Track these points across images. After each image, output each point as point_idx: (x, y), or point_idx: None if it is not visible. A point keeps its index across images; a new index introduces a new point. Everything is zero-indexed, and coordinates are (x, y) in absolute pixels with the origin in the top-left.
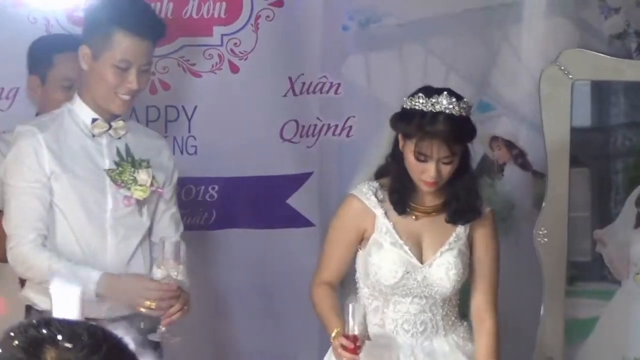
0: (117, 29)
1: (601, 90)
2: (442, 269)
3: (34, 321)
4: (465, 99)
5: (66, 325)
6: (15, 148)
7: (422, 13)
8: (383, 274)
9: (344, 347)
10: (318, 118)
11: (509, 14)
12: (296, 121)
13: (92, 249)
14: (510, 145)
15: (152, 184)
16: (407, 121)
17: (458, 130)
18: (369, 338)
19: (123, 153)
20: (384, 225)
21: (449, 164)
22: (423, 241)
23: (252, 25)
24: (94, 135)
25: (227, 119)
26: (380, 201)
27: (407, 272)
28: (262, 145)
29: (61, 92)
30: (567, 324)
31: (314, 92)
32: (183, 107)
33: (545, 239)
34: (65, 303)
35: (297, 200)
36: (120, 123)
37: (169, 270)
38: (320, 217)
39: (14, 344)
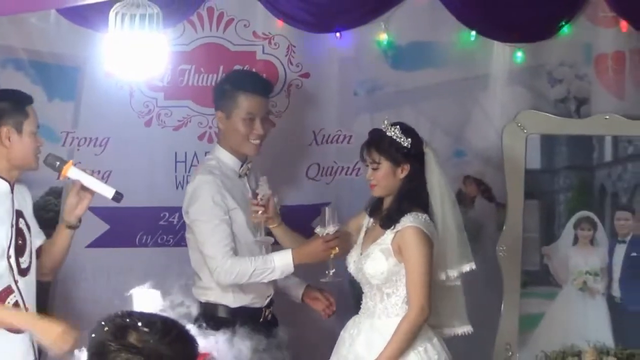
0: (241, 92)
1: (548, 142)
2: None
3: (119, 312)
4: (398, 126)
5: (144, 316)
6: (206, 193)
7: (414, 83)
8: None
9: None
10: (335, 162)
11: (480, 83)
12: (318, 164)
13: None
14: (479, 182)
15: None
16: None
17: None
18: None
19: (253, 187)
20: None
21: (375, 169)
22: None
23: (285, 91)
24: (240, 176)
25: (265, 162)
26: None
27: None
28: (292, 182)
29: None
30: (521, 318)
31: (332, 142)
32: None
33: (505, 254)
34: None
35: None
36: (251, 164)
37: (330, 228)
38: None
39: (105, 330)
